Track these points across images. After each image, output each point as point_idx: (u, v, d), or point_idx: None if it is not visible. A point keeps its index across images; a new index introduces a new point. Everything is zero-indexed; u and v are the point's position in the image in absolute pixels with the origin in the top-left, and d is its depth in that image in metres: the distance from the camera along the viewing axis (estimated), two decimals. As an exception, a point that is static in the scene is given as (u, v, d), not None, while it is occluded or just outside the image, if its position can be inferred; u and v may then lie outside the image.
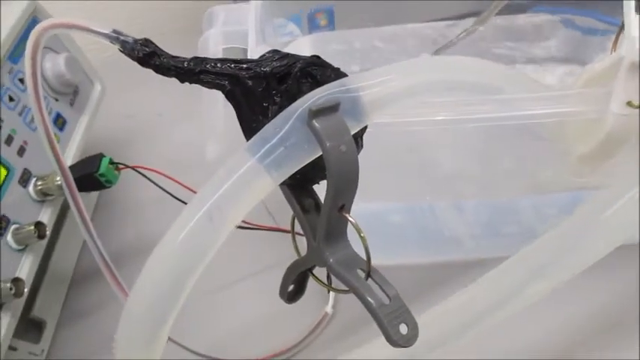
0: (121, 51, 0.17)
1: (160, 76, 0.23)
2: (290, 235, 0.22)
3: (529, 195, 0.30)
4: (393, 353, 0.22)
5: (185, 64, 0.17)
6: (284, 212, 0.28)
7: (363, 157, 0.19)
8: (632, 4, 0.21)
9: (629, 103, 0.21)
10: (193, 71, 0.17)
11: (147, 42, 0.17)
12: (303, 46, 0.39)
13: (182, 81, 0.17)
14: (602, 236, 0.18)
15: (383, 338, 0.21)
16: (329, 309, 0.29)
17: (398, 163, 0.26)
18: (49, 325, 0.29)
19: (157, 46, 0.17)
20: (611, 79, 0.21)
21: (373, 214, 0.29)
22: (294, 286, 0.22)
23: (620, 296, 0.29)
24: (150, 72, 0.19)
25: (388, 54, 0.40)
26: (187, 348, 0.26)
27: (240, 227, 0.28)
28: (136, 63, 0.17)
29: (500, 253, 0.22)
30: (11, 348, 0.26)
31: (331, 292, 0.30)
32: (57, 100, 0.30)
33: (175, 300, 0.18)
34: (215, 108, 0.30)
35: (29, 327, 0.28)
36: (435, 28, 0.42)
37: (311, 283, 0.29)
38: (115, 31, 0.17)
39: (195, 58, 0.17)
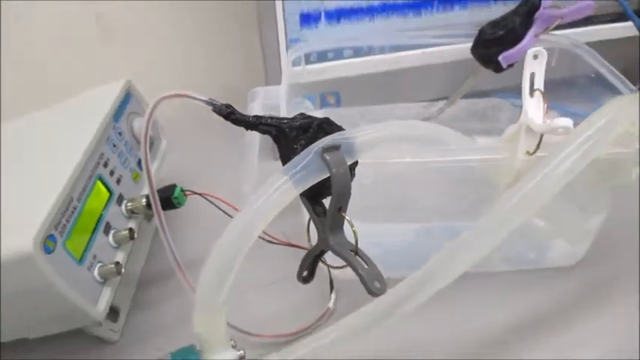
0: (213, 111, 0.28)
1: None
2: (294, 248, 0.32)
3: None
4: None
5: (250, 119, 0.28)
6: (297, 234, 0.37)
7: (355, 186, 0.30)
8: (527, 89, 0.33)
9: (527, 152, 0.32)
10: (255, 123, 0.28)
11: (229, 105, 0.28)
12: (316, 118, 0.51)
13: (247, 129, 0.29)
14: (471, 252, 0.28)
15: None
16: (331, 305, 0.39)
17: (381, 193, 0.37)
18: (122, 312, 0.38)
19: (234, 108, 0.28)
20: (518, 137, 0.33)
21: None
22: (307, 272, 0.32)
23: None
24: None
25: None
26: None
27: (269, 242, 0.39)
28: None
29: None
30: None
31: (333, 294, 0.40)
32: (138, 148, 0.42)
33: (230, 271, 0.28)
34: (251, 158, 0.41)
35: (109, 311, 0.37)
36: (418, 107, 0.54)
37: (318, 290, 0.39)
38: (210, 99, 0.28)
39: (256, 115, 0.29)
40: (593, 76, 0.44)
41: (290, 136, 0.29)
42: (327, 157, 0.28)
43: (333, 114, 0.45)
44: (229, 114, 0.28)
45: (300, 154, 0.28)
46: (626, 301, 0.39)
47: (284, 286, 0.40)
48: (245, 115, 0.29)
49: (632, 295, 0.39)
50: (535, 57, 0.33)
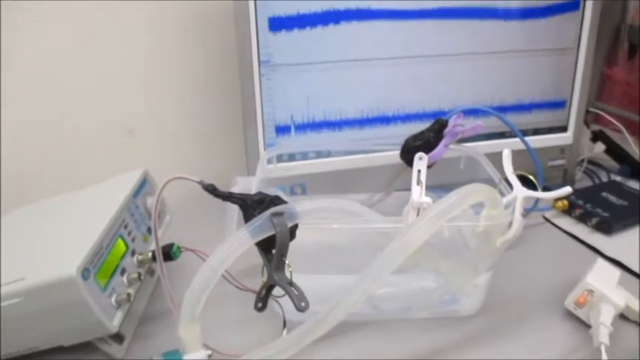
0: (202, 188, 0.44)
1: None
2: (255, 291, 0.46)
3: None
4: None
5: (225, 194, 0.44)
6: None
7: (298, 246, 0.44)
8: (415, 179, 0.48)
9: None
10: (228, 197, 0.44)
11: (212, 185, 0.44)
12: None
13: (223, 200, 0.44)
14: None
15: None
16: (284, 335, 0.51)
17: (318, 251, 0.52)
18: (127, 338, 0.51)
19: (216, 186, 0.44)
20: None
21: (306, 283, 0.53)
22: (261, 303, 0.46)
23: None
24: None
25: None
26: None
27: (239, 288, 0.53)
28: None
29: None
30: (107, 342, 0.49)
31: (285, 330, 0.52)
32: (149, 219, 0.58)
33: (204, 294, 0.42)
34: (231, 223, 0.56)
35: (116, 336, 0.50)
36: (364, 196, 0.70)
37: (274, 328, 0.52)
38: (200, 180, 0.44)
39: (229, 192, 0.44)
40: (487, 177, 0.60)
41: (251, 206, 0.44)
42: (274, 220, 0.43)
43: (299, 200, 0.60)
44: (212, 190, 0.44)
45: (257, 217, 0.43)
46: (514, 341, 0.52)
47: (248, 324, 0.53)
48: (223, 192, 0.44)
49: (518, 337, 0.52)
50: (420, 159, 0.49)
